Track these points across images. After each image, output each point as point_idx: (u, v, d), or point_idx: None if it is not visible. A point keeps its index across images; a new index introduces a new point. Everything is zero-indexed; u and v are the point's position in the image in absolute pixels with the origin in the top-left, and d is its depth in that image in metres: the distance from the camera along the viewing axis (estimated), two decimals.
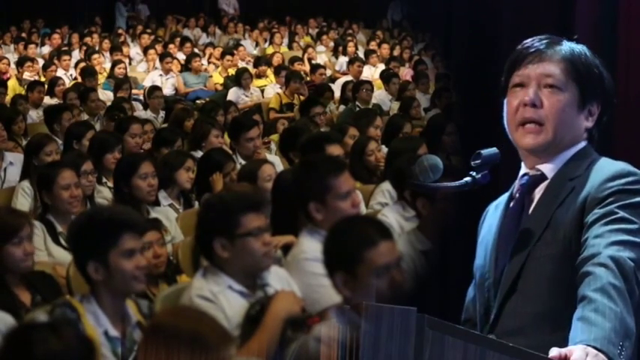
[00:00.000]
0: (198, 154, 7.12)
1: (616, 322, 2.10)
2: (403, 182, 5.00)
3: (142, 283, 3.50)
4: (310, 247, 3.87)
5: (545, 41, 2.50)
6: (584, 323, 2.12)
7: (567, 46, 2.49)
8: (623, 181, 2.35)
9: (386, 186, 5.60)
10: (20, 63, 13.50)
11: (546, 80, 2.46)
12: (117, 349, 3.36)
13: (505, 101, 2.53)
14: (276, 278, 3.71)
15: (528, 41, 2.52)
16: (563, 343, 2.15)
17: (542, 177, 2.48)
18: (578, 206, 2.35)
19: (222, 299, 3.53)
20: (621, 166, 2.41)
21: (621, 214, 2.29)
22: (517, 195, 2.53)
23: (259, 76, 13.47)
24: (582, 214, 2.34)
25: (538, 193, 2.48)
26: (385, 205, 5.45)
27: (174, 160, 6.05)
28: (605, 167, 2.42)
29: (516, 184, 2.56)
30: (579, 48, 2.50)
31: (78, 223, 3.66)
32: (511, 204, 2.54)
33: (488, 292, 2.47)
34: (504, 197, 2.59)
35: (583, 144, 2.51)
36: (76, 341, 2.72)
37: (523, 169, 2.54)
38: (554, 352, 2.04)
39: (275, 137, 8.90)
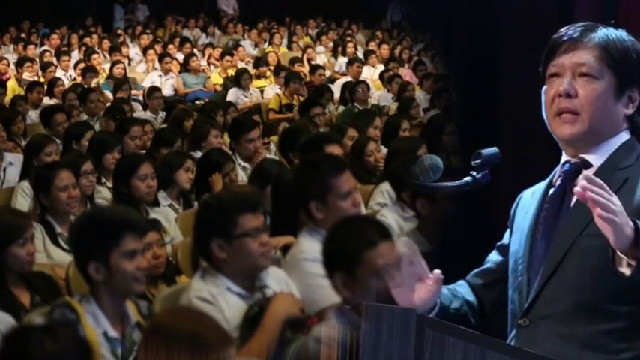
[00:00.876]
0: (198, 154, 7.11)
1: None
2: (402, 183, 5.00)
3: (143, 284, 3.50)
4: (309, 247, 3.86)
5: (579, 29, 2.45)
6: None
7: (602, 32, 2.44)
8: None
9: (385, 187, 5.60)
10: (20, 63, 13.50)
11: (580, 69, 2.41)
12: (116, 349, 3.36)
13: (543, 91, 2.50)
14: (275, 279, 3.71)
15: (563, 30, 2.47)
16: (601, 334, 2.16)
17: (585, 165, 2.43)
18: (637, 199, 2.31)
19: (221, 301, 3.52)
20: None
21: None
22: (558, 182, 2.48)
23: (259, 76, 13.48)
24: None
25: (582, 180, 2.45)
26: (384, 205, 5.45)
27: (174, 160, 6.05)
28: None
29: (557, 171, 2.51)
30: (615, 33, 2.44)
31: (79, 223, 3.65)
32: (551, 191, 2.50)
33: (521, 277, 2.43)
34: (542, 185, 2.54)
35: (626, 135, 2.46)
36: (73, 343, 2.71)
37: (564, 158, 2.49)
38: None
39: (275, 138, 8.91)
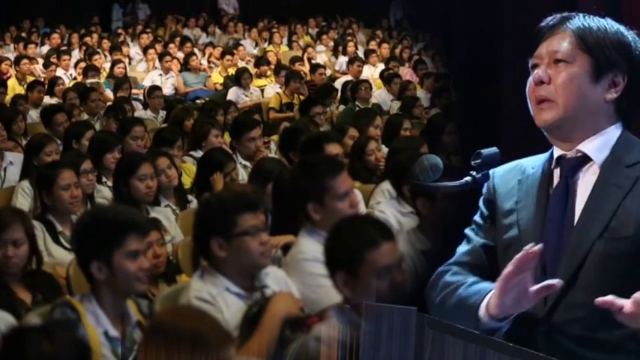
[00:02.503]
0: (198, 153, 7.13)
1: None
2: (402, 178, 5.00)
3: (145, 284, 3.50)
4: (309, 247, 3.87)
5: (557, 18, 2.46)
6: None
7: (578, 19, 2.44)
8: None
9: (386, 186, 5.60)
10: (17, 61, 13.50)
11: (555, 56, 2.41)
12: (117, 349, 3.36)
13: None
14: (274, 279, 3.71)
15: (543, 22, 2.49)
16: (621, 341, 2.15)
17: (585, 158, 2.41)
18: None
19: (220, 301, 3.52)
20: None
21: None
22: (559, 178, 2.45)
23: (260, 75, 13.48)
24: None
25: (586, 177, 2.40)
26: None
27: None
28: None
29: (546, 165, 2.48)
30: (593, 19, 2.45)
31: (82, 221, 3.66)
32: (552, 187, 2.45)
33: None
34: (531, 173, 2.49)
35: (620, 126, 2.44)
36: (69, 345, 2.71)
37: (556, 152, 2.46)
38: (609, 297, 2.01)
39: (276, 137, 8.91)
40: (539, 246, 2.22)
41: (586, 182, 2.40)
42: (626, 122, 2.47)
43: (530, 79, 2.45)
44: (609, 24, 2.44)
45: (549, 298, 2.34)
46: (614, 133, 2.42)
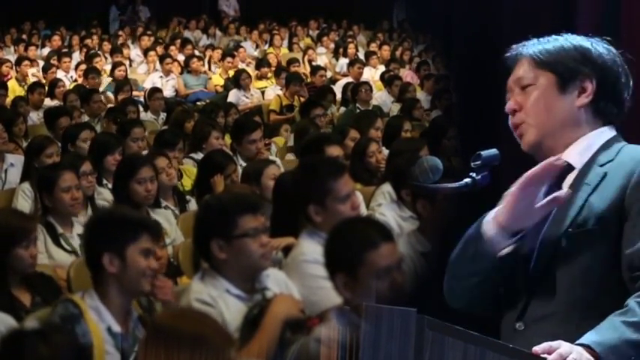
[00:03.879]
0: (199, 155, 7.13)
1: None
2: (402, 182, 5.01)
3: (149, 285, 3.52)
4: (310, 249, 3.87)
5: (514, 49, 2.54)
6: (606, 325, 2.12)
7: (532, 43, 2.52)
8: None
9: (386, 187, 5.61)
10: (18, 63, 13.51)
11: (521, 83, 2.49)
12: (120, 344, 3.37)
13: None
14: (275, 281, 3.71)
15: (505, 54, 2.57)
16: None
17: (569, 167, 2.46)
18: (616, 194, 2.33)
19: (220, 303, 3.52)
20: None
21: None
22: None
23: (262, 78, 13.49)
24: (622, 201, 2.31)
25: (567, 183, 2.45)
26: None
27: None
28: None
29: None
30: (547, 39, 2.51)
31: (99, 215, 3.69)
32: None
33: (517, 280, 2.43)
34: None
35: (610, 131, 2.48)
36: (67, 348, 2.72)
37: None
38: (543, 346, 2.04)
39: (277, 139, 8.92)
40: (563, 160, 2.35)
41: (566, 187, 2.45)
42: (614, 122, 2.51)
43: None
44: (564, 38, 2.51)
45: (522, 295, 2.39)
46: (598, 137, 2.47)
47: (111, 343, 3.36)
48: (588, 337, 2.09)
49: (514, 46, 2.55)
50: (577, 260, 2.34)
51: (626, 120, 2.57)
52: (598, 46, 2.50)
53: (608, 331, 2.10)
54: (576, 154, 2.46)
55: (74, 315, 3.34)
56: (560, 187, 2.45)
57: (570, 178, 2.46)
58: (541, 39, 2.52)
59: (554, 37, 2.52)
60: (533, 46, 2.51)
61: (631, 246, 2.27)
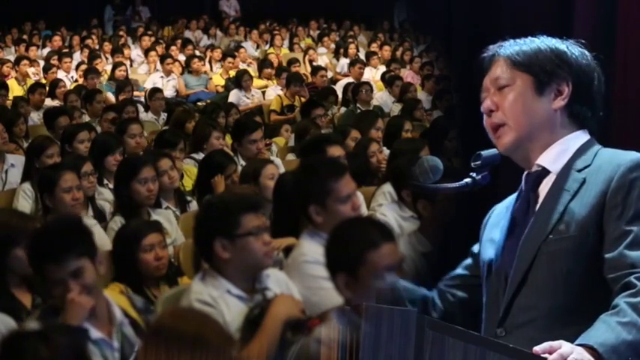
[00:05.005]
0: (200, 155, 7.13)
1: (637, 336, 2.10)
2: (402, 182, 5.01)
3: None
4: (310, 249, 3.87)
5: (491, 49, 2.55)
6: (602, 325, 2.13)
7: (508, 44, 2.52)
8: None
9: (387, 188, 5.61)
10: (17, 62, 13.51)
11: (497, 83, 2.50)
12: (105, 351, 3.34)
13: None
14: (275, 282, 3.71)
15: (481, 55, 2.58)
16: (574, 338, 2.15)
17: (544, 171, 2.47)
18: (596, 200, 2.33)
19: (221, 304, 3.52)
20: (636, 155, 2.39)
21: None
22: (523, 193, 2.53)
23: (264, 78, 13.48)
24: (602, 208, 2.32)
25: (544, 188, 2.46)
26: None
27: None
28: (617, 156, 2.40)
29: (522, 183, 2.55)
30: (524, 40, 2.52)
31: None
32: (517, 202, 2.54)
33: (497, 286, 2.46)
34: (513, 197, 2.59)
35: (584, 135, 2.49)
36: (67, 349, 2.71)
37: (526, 171, 2.54)
38: (544, 346, 2.04)
39: (278, 140, 8.92)
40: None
41: (544, 192, 2.46)
42: (588, 127, 2.52)
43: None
44: (541, 41, 2.52)
45: (503, 302, 2.41)
46: (573, 141, 2.49)
47: (95, 352, 3.30)
48: (589, 338, 2.09)
49: (490, 47, 2.56)
50: (558, 266, 2.35)
51: (624, 120, 2.58)
52: (573, 49, 2.51)
53: (606, 331, 2.11)
54: (551, 158, 2.47)
55: (57, 324, 3.30)
56: (536, 192, 2.47)
57: (547, 183, 2.47)
58: (518, 40, 2.53)
59: (530, 38, 2.52)
60: (510, 47, 2.51)
61: (612, 250, 2.27)
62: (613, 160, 2.39)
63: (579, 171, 2.41)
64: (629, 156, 2.39)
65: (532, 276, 2.38)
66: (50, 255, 3.36)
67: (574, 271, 2.32)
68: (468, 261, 2.70)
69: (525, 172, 2.53)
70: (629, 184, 2.31)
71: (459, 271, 2.71)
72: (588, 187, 2.37)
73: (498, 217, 2.60)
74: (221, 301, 3.53)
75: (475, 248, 2.67)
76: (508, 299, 2.40)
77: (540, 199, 2.46)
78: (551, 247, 2.36)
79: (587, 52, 2.52)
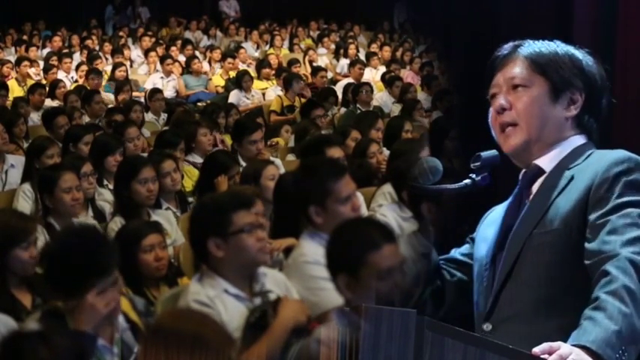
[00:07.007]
0: (194, 157, 7.15)
1: (623, 324, 2.09)
2: (402, 183, 5.01)
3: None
4: (310, 250, 3.87)
5: (509, 47, 2.55)
6: (589, 323, 2.12)
7: (529, 45, 2.53)
8: (630, 165, 2.35)
9: (387, 188, 5.61)
10: (18, 63, 13.51)
11: (512, 82, 2.49)
12: (104, 357, 3.33)
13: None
14: (274, 282, 3.71)
15: (497, 52, 2.57)
16: (559, 330, 2.16)
17: (539, 171, 2.49)
18: (581, 194, 2.35)
19: (218, 304, 3.52)
20: (622, 152, 2.41)
21: (635, 202, 2.28)
22: (517, 190, 2.55)
23: (263, 78, 13.49)
24: (586, 201, 2.33)
25: (536, 186, 2.49)
26: None
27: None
28: (607, 155, 2.41)
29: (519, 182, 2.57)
30: (544, 43, 2.53)
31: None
32: (511, 200, 2.57)
33: (487, 282, 2.48)
34: (510, 198, 2.60)
35: (581, 139, 2.51)
36: (67, 350, 2.71)
37: (523, 170, 2.55)
38: (543, 346, 2.04)
39: (281, 140, 8.93)
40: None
41: (535, 189, 2.48)
42: (589, 134, 2.54)
43: (492, 109, 2.52)
44: (559, 46, 2.53)
45: (490, 296, 2.43)
46: (569, 144, 2.50)
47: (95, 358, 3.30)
48: (579, 338, 2.09)
49: (509, 44, 2.55)
50: (542, 260, 2.36)
51: (624, 120, 2.59)
52: (588, 59, 2.53)
53: (594, 328, 2.10)
54: (548, 159, 2.49)
55: (57, 326, 3.30)
56: (529, 190, 2.49)
57: (539, 182, 2.49)
58: (536, 41, 2.53)
59: (548, 42, 2.53)
60: (530, 48, 2.51)
61: (592, 239, 2.28)
62: (601, 157, 2.41)
63: (569, 169, 2.44)
64: (616, 153, 2.41)
65: (517, 269, 2.40)
66: (101, 268, 3.30)
67: (557, 264, 2.34)
68: (465, 247, 2.71)
69: (522, 172, 2.55)
70: (613, 178, 2.33)
71: (456, 255, 2.72)
72: (575, 183, 2.39)
73: (494, 217, 2.61)
74: (218, 300, 3.53)
75: (473, 235, 2.68)
76: (495, 293, 2.42)
77: (531, 197, 2.48)
78: (535, 240, 2.38)
79: (598, 63, 2.53)
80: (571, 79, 2.48)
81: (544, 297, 2.34)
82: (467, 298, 2.59)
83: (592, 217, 2.31)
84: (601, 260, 2.22)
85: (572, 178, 2.41)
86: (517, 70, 2.49)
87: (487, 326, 2.42)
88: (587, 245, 2.29)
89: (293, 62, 14.39)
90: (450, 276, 2.67)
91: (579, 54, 2.52)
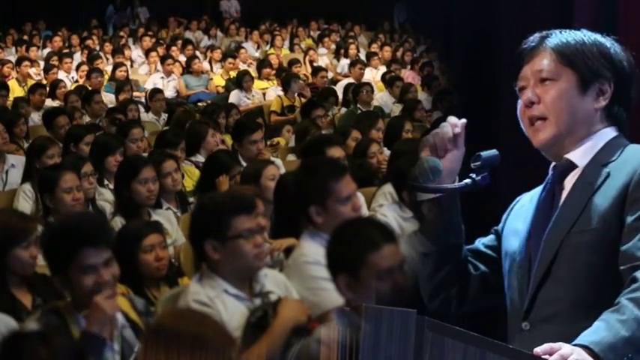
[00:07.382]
0: (197, 157, 7.14)
1: (636, 331, 2.09)
2: (403, 183, 5.01)
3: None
4: (311, 250, 3.87)
5: (536, 39, 2.52)
6: (601, 324, 2.12)
7: (555, 36, 2.49)
8: None
9: (388, 188, 5.61)
10: (18, 63, 13.52)
11: (540, 75, 2.46)
12: (105, 354, 3.32)
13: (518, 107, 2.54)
14: (273, 282, 3.71)
15: (523, 44, 2.54)
16: None
17: (571, 165, 2.47)
18: (619, 192, 2.33)
19: (218, 303, 3.52)
20: None
21: None
22: (548, 185, 2.52)
23: (264, 78, 13.49)
24: (623, 200, 2.31)
25: (569, 181, 2.46)
26: None
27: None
28: None
29: (549, 175, 2.54)
30: (570, 33, 2.50)
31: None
32: (542, 194, 2.53)
33: (522, 279, 2.45)
34: (538, 189, 2.57)
35: (612, 132, 2.49)
36: (66, 350, 2.71)
37: (553, 163, 2.53)
38: (544, 347, 2.04)
39: (282, 140, 8.93)
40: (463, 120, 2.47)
41: (569, 185, 2.46)
42: (620, 126, 2.51)
43: (520, 102, 2.50)
44: (586, 35, 2.50)
45: (527, 295, 2.41)
46: (601, 137, 2.48)
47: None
48: (585, 338, 2.09)
49: (536, 35, 2.52)
50: (581, 260, 2.34)
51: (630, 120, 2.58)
52: (616, 48, 2.50)
53: (604, 330, 2.10)
54: (580, 153, 2.46)
55: (57, 326, 3.30)
56: (561, 185, 2.46)
57: (573, 176, 2.46)
58: (563, 32, 2.50)
59: (576, 32, 2.50)
60: (557, 39, 2.48)
61: (627, 242, 2.27)
62: (638, 153, 2.40)
63: (604, 165, 2.41)
64: None
65: (555, 269, 2.37)
66: (87, 239, 3.33)
67: (596, 264, 2.31)
68: (489, 238, 2.67)
69: (552, 165, 2.52)
70: None
71: (480, 247, 2.67)
72: (612, 181, 2.36)
73: (522, 209, 2.58)
74: (218, 300, 3.53)
75: (498, 227, 2.65)
76: (532, 292, 2.40)
77: (565, 193, 2.45)
78: (573, 240, 2.35)
79: (627, 52, 2.51)
80: (599, 70, 2.45)
81: (583, 297, 2.33)
82: (490, 293, 2.58)
83: (629, 219, 2.29)
84: (633, 267, 2.22)
85: (608, 175, 2.38)
86: (544, 62, 2.46)
87: (525, 325, 2.40)
88: (621, 248, 2.28)
89: (293, 62, 14.38)
90: (475, 269, 2.63)
91: (607, 42, 2.49)
